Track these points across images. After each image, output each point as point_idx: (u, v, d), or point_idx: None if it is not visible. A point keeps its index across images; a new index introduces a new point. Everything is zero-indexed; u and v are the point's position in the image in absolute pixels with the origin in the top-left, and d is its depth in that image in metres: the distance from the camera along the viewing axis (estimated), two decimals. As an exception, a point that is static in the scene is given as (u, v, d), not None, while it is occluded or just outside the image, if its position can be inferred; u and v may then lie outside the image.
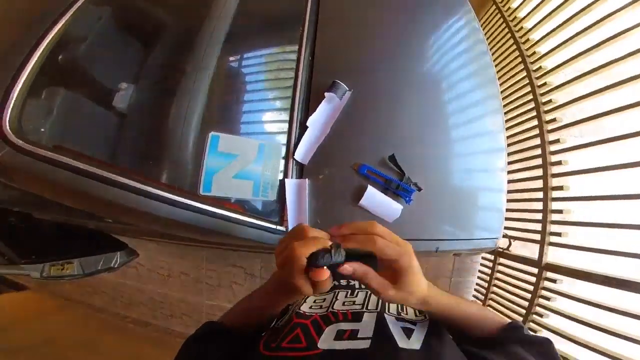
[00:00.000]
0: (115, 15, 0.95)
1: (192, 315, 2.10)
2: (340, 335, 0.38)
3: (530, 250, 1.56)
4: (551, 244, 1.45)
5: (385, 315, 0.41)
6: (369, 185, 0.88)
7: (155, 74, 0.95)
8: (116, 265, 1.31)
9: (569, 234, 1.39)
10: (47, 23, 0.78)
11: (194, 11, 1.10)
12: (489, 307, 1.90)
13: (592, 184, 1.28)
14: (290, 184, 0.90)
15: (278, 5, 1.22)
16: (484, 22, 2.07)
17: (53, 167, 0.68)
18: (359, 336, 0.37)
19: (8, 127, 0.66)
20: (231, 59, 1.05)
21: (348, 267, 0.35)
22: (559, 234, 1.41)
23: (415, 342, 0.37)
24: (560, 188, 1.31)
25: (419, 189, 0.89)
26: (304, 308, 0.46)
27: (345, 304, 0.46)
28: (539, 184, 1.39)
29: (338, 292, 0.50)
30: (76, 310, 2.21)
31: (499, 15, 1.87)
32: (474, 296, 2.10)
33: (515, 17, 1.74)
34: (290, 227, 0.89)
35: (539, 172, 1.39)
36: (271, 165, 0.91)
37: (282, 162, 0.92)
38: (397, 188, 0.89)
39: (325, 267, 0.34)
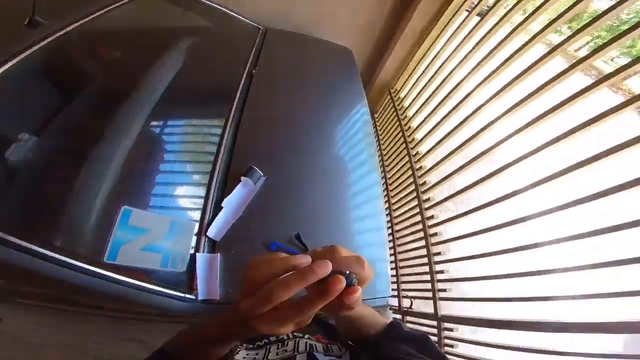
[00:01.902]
0: (42, 57, 0.92)
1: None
2: None
3: (430, 307, 1.80)
4: (440, 298, 1.70)
5: (315, 353, 0.47)
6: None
7: (71, 133, 0.92)
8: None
9: (452, 288, 1.67)
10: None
11: (131, 73, 1.13)
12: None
13: (468, 244, 1.60)
14: (201, 258, 0.95)
15: (212, 84, 1.37)
16: (381, 110, 2.46)
17: None
18: None
19: None
20: (155, 131, 1.10)
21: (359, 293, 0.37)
22: (444, 290, 1.68)
23: None
24: (439, 253, 1.62)
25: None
26: (238, 357, 0.47)
27: (278, 354, 0.50)
28: (424, 251, 1.69)
29: (270, 346, 0.54)
30: None
31: (391, 105, 2.27)
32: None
33: (402, 106, 2.16)
34: (200, 296, 0.90)
35: (422, 242, 1.71)
36: (182, 240, 0.95)
37: (194, 237, 0.98)
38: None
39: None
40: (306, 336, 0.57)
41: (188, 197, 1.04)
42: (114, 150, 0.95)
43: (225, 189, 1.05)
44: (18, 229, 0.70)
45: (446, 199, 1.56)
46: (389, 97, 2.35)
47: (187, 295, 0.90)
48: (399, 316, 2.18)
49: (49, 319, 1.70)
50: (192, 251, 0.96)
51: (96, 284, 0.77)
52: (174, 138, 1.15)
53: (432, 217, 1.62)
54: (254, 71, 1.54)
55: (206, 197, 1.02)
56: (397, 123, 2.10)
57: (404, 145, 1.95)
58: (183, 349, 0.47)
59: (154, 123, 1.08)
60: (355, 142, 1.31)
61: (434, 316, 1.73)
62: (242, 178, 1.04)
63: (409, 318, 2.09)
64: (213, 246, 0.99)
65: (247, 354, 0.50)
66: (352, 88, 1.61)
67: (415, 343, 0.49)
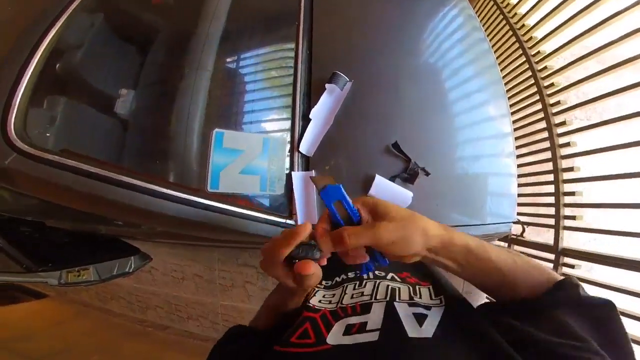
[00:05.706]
0: (107, 21, 0.97)
1: (208, 316, 2.10)
2: (348, 330, 0.37)
3: (544, 237, 1.53)
4: (565, 227, 1.41)
5: (395, 304, 0.40)
6: (376, 175, 0.88)
7: (154, 77, 0.97)
8: (131, 269, 1.32)
9: (583, 216, 1.36)
10: (39, 33, 0.79)
11: (187, 13, 1.11)
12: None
13: (601, 165, 1.25)
14: (297, 176, 0.90)
15: (272, 2, 1.22)
16: (477, 10, 2.06)
17: (61, 170, 0.69)
18: (367, 329, 0.36)
19: (14, 134, 0.67)
20: (229, 57, 1.05)
21: (324, 261, 0.38)
22: (573, 217, 1.37)
23: (427, 330, 0.34)
24: (571, 169, 1.28)
25: (427, 174, 0.88)
26: (314, 301, 0.45)
27: (354, 296, 0.45)
28: (548, 166, 1.36)
29: (347, 285, 0.49)
30: (95, 316, 2.23)
31: (491, 3, 1.86)
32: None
33: (507, 4, 1.71)
34: (300, 220, 0.89)
35: (547, 154, 1.36)
36: (277, 159, 0.91)
37: (288, 155, 0.93)
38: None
39: (311, 262, 0.35)
40: (389, 276, 0.49)
41: (275, 114, 0.98)
42: (197, 84, 0.94)
43: (311, 102, 0.94)
44: (130, 170, 0.76)
45: (584, 104, 1.18)
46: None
47: (288, 221, 0.89)
48: (503, 244, 1.92)
49: (186, 252, 2.08)
50: (287, 170, 0.91)
51: (206, 216, 0.79)
52: (248, 59, 1.07)
53: (563, 123, 1.26)
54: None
55: (292, 112, 0.93)
56: (504, 21, 1.68)
57: (517, 45, 1.55)
58: (262, 320, 0.48)
59: (227, 52, 1.03)
60: (459, 39, 1.00)
61: (553, 248, 1.46)
62: (327, 85, 0.91)
63: (515, 248, 1.84)
64: (307, 163, 0.92)
65: (323, 296, 0.48)
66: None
67: (590, 315, 0.33)
